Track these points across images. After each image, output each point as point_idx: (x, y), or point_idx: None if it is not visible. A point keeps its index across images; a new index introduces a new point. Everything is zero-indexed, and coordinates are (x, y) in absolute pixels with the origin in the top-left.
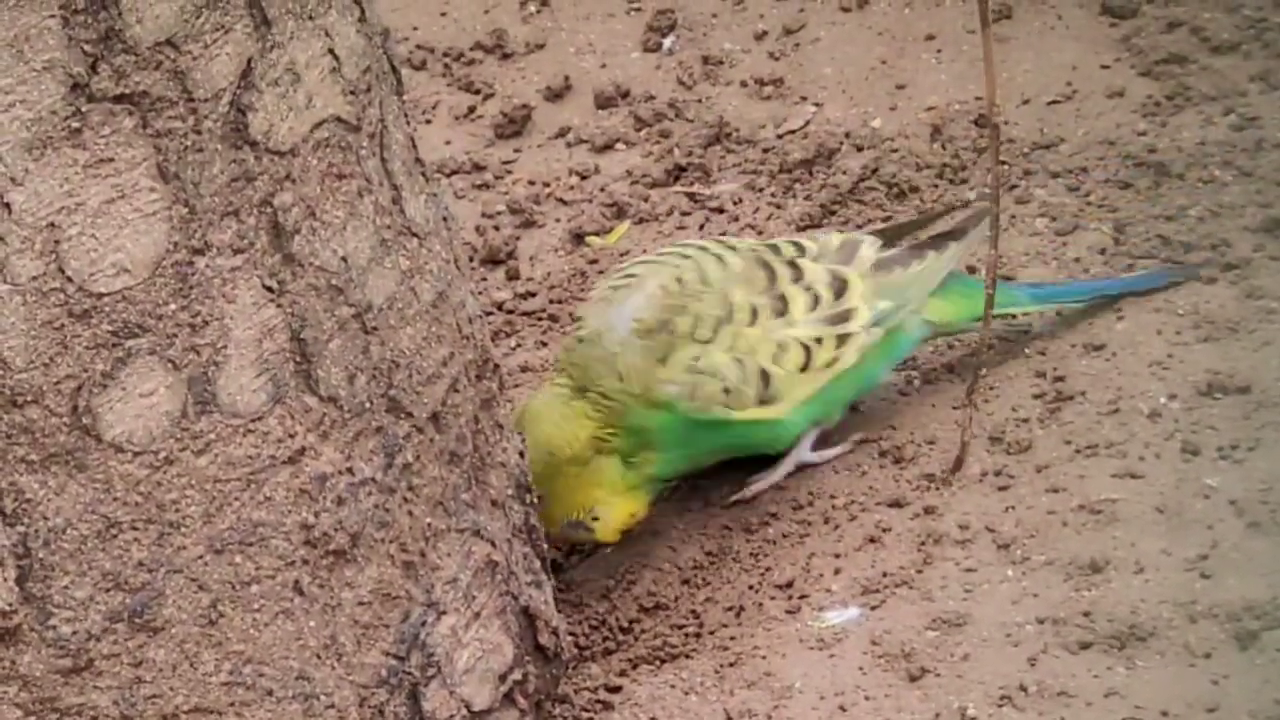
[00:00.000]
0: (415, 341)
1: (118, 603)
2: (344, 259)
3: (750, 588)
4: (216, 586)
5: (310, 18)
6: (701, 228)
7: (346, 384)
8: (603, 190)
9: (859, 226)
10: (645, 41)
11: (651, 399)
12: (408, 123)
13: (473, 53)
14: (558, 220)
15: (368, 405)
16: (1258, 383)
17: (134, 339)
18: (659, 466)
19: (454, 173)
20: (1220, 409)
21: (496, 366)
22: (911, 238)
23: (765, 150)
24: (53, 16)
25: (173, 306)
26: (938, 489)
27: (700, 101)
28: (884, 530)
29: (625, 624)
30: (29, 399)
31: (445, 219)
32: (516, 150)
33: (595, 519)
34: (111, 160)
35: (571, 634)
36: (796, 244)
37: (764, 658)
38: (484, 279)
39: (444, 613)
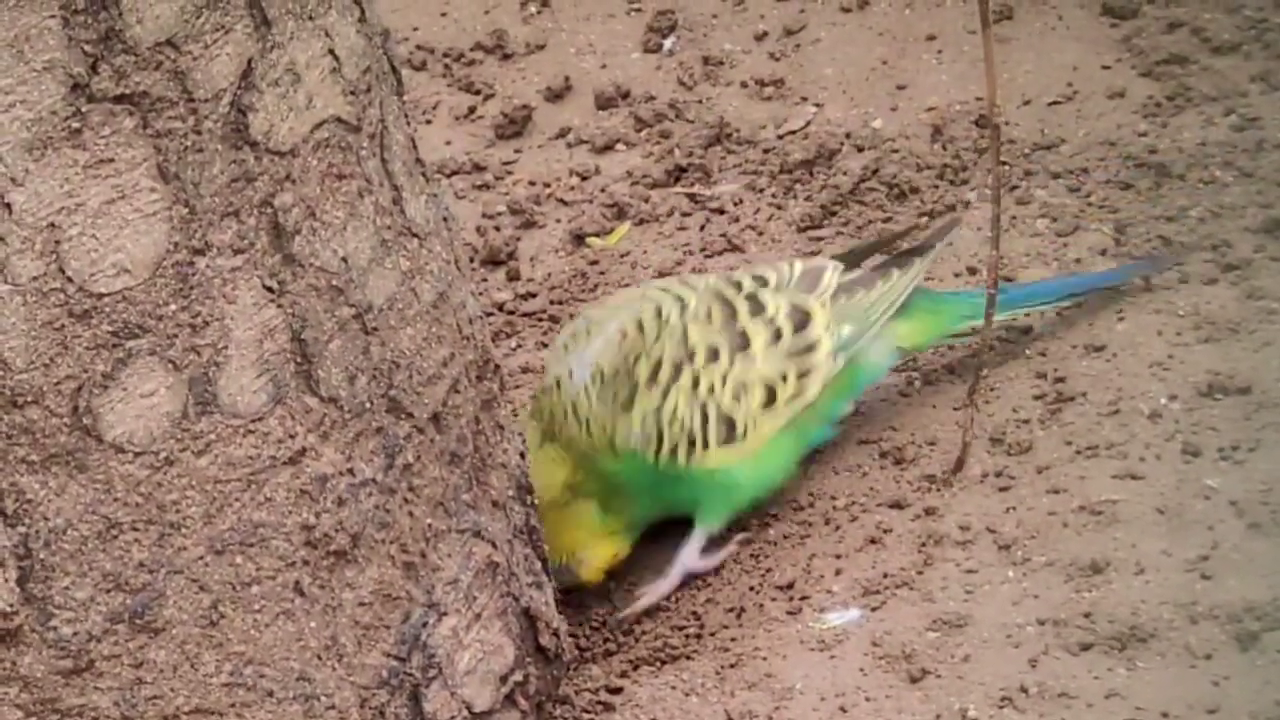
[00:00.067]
0: (416, 342)
1: (118, 603)
2: (344, 259)
3: (751, 589)
4: (217, 587)
5: (310, 18)
6: (702, 228)
7: (347, 384)
8: (603, 191)
9: (860, 228)
10: (646, 42)
11: (615, 447)
12: (408, 123)
13: (473, 53)
14: (558, 221)
15: (368, 406)
16: (1258, 383)
17: (134, 339)
18: (633, 511)
19: (454, 173)
20: (1221, 410)
21: (497, 367)
22: (875, 258)
23: (766, 151)
24: (53, 17)
25: (173, 307)
26: (938, 490)
27: (701, 102)
28: (885, 531)
29: (626, 625)
30: (29, 399)
31: (446, 219)
32: (517, 151)
33: (579, 562)
34: (112, 160)
35: (572, 635)
36: (758, 276)
37: (765, 659)
38: (484, 279)
39: (445, 614)
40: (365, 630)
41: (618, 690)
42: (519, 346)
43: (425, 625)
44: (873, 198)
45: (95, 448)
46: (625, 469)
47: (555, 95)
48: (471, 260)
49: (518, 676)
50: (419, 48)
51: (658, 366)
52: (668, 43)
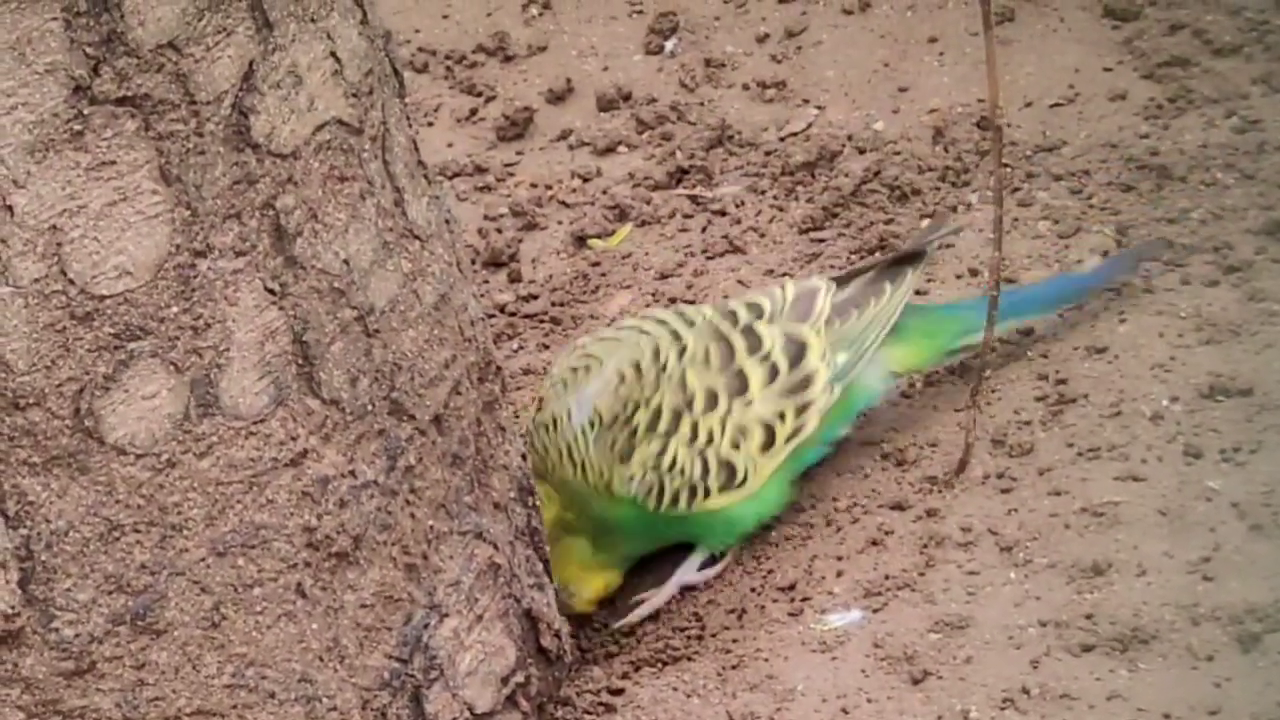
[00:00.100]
0: (417, 344)
1: (120, 605)
2: (346, 261)
3: (752, 590)
4: (219, 589)
5: (312, 20)
6: (704, 230)
7: (349, 386)
8: (605, 193)
9: (861, 229)
10: (647, 44)
11: (613, 493)
12: (410, 125)
13: (475, 55)
14: (560, 223)
15: (370, 408)
16: (1260, 385)
17: (136, 341)
18: (626, 547)
19: (456, 175)
20: (1222, 411)
21: (499, 369)
22: (866, 275)
23: (767, 153)
24: (55, 19)
25: (175, 309)
26: (940, 491)
27: (702, 104)
28: (886, 533)
29: (627, 627)
30: (31, 401)
31: (447, 221)
32: (518, 153)
33: (570, 594)
34: (113, 163)
35: (574, 636)
36: (753, 305)
37: (766, 660)
38: (486, 281)
39: (446, 615)
40: (367, 632)
41: (619, 691)
42: (521, 348)
43: (427, 627)
44: (874, 200)
45: (97, 450)
46: (622, 513)
47: (557, 97)
48: (473, 262)
49: (519, 678)
50: (421, 50)
51: (657, 415)
52: (669, 44)
